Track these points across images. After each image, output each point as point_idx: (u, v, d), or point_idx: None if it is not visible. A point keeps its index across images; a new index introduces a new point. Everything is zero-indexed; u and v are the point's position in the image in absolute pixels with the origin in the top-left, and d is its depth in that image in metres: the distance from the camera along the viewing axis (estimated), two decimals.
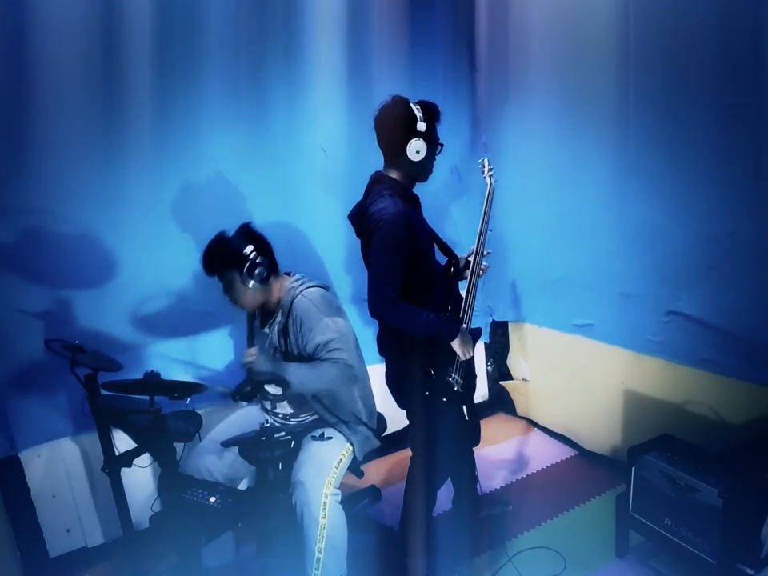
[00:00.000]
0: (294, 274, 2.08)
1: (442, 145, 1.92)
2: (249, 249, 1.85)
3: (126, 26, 2.09)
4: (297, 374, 1.88)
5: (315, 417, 2.12)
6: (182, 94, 2.23)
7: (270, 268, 1.91)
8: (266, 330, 2.07)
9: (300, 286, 2.00)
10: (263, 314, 2.07)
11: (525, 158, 2.89)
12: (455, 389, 1.92)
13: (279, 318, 2.01)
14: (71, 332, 2.05)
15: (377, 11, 2.61)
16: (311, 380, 1.92)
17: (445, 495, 2.28)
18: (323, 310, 1.94)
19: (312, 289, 1.99)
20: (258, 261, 1.86)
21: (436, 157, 1.93)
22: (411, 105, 1.82)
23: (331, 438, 2.01)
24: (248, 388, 1.83)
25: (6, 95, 1.95)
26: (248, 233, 1.93)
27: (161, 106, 2.20)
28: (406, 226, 1.78)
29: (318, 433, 2.03)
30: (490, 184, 2.07)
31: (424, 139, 1.81)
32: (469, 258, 2.06)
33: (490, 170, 2.11)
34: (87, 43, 2.04)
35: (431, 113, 1.85)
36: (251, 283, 1.86)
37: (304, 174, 2.56)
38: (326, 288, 2.08)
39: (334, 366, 1.91)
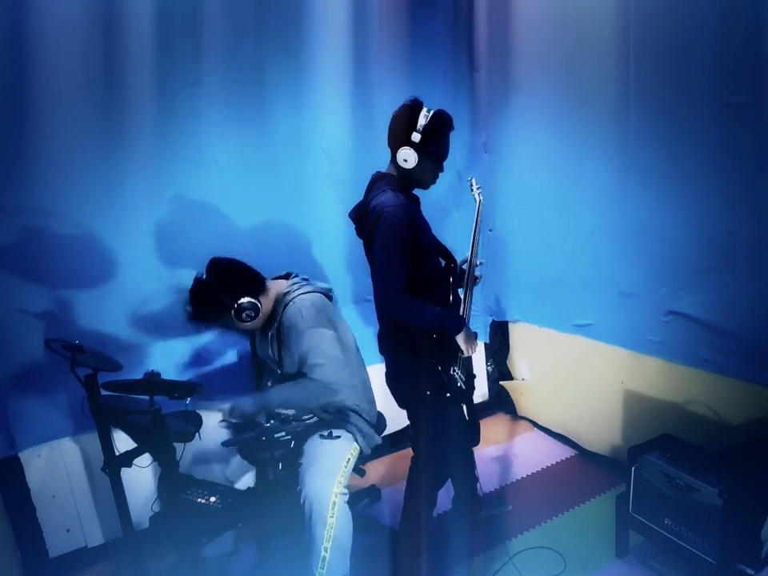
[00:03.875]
0: (293, 276, 2.06)
1: (443, 159, 1.89)
2: (227, 297, 1.86)
3: (126, 26, 2.09)
4: (277, 400, 1.96)
5: (317, 418, 2.12)
6: (182, 94, 2.23)
7: (256, 297, 1.91)
8: (263, 337, 2.08)
9: (295, 290, 1.97)
10: (264, 324, 2.06)
11: (525, 158, 2.89)
12: (458, 384, 1.92)
13: (275, 324, 1.99)
14: (71, 332, 2.05)
15: (377, 12, 2.61)
16: (291, 402, 2.01)
17: (445, 495, 2.28)
18: (309, 320, 1.89)
19: (305, 295, 1.95)
20: (241, 305, 1.87)
21: (441, 168, 1.91)
22: (421, 112, 1.79)
23: (339, 437, 2.02)
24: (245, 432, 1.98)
25: (6, 95, 1.95)
26: (220, 273, 1.90)
27: (161, 106, 2.20)
28: (408, 218, 1.77)
29: (325, 432, 2.02)
30: (479, 200, 2.11)
31: (416, 149, 1.79)
32: (463, 267, 2.08)
33: (478, 187, 2.14)
34: (87, 43, 2.04)
35: (437, 125, 1.81)
36: (244, 323, 1.92)
37: (304, 175, 2.56)
38: (325, 292, 2.05)
39: (312, 384, 1.89)
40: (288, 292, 1.97)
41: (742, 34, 1.90)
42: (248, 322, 1.90)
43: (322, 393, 1.91)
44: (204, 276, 1.89)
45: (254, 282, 1.94)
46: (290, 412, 2.12)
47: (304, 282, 2.03)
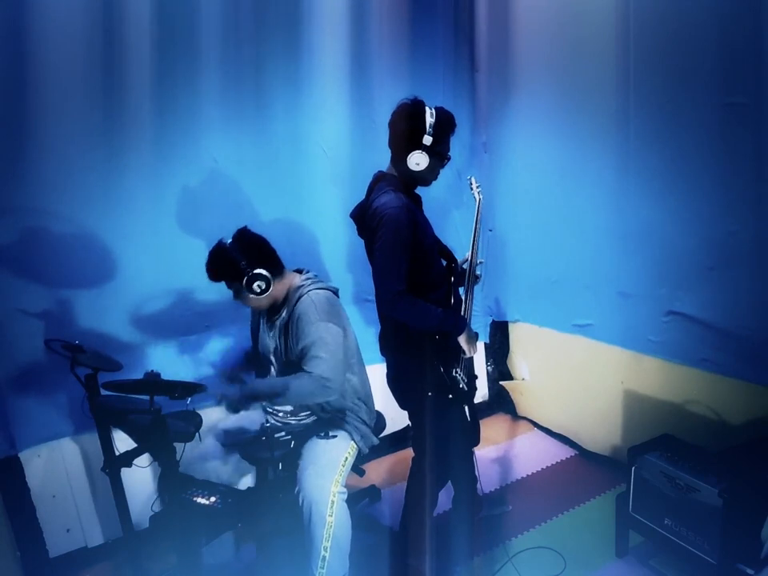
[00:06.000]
0: (307, 272, 2.08)
1: (449, 158, 1.89)
2: (245, 263, 1.86)
3: (126, 25, 2.09)
4: (263, 390, 1.90)
5: (316, 416, 2.12)
6: (181, 93, 2.23)
7: (271, 275, 1.90)
8: (270, 325, 2.07)
9: (309, 285, 1.99)
10: (270, 309, 2.07)
11: (525, 158, 2.89)
12: (461, 386, 1.92)
13: (284, 314, 2.01)
14: (71, 332, 2.06)
15: (377, 12, 2.61)
16: (280, 393, 1.89)
17: (445, 495, 2.28)
18: (321, 313, 1.91)
19: (319, 291, 1.98)
20: (255, 274, 1.87)
21: (443, 166, 1.91)
22: (426, 113, 1.78)
23: (336, 436, 2.02)
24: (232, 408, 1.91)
25: (6, 95, 1.95)
26: (244, 242, 1.92)
27: (160, 106, 2.20)
28: (409, 220, 1.77)
29: (322, 432, 2.02)
30: (479, 199, 2.11)
31: (428, 152, 1.79)
32: (464, 266, 2.09)
33: (477, 186, 2.14)
34: (87, 43, 2.04)
35: (444, 125, 1.81)
36: (252, 294, 1.89)
37: (304, 174, 2.55)
38: (335, 291, 2.07)
39: (308, 379, 1.86)
40: (302, 286, 1.99)
41: (741, 34, 1.90)
42: (256, 294, 1.89)
43: (316, 389, 1.86)
44: (229, 241, 1.91)
45: (273, 261, 1.97)
46: (288, 409, 2.12)
47: (317, 279, 2.05)
